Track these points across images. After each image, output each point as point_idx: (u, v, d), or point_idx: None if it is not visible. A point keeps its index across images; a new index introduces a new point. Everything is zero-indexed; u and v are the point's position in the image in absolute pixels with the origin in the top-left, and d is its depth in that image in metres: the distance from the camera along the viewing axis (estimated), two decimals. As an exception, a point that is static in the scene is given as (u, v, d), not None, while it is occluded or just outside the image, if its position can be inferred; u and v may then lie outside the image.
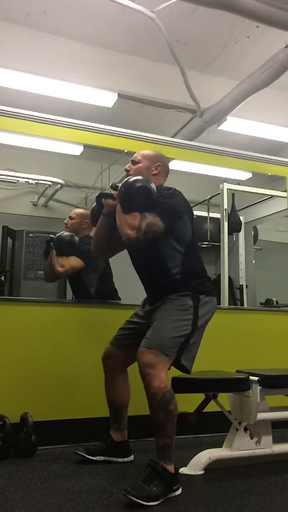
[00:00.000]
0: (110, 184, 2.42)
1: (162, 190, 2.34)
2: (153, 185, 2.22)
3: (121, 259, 2.65)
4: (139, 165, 2.44)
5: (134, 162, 2.47)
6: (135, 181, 2.20)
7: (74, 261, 3.15)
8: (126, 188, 2.20)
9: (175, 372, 2.26)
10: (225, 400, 2.55)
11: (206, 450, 2.44)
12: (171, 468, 2.06)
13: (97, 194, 2.56)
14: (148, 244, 2.21)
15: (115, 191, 2.31)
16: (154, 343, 2.14)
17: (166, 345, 2.13)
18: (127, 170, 2.47)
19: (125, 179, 2.26)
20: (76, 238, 3.20)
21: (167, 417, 2.06)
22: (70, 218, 3.42)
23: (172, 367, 2.20)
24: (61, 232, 3.24)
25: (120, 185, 2.26)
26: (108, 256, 2.83)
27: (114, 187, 2.36)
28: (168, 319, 2.20)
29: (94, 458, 2.48)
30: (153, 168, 2.45)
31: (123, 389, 2.52)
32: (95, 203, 2.60)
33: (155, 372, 2.07)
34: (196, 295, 2.26)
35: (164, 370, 2.11)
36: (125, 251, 2.51)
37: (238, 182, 5.48)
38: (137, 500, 1.89)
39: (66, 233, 3.22)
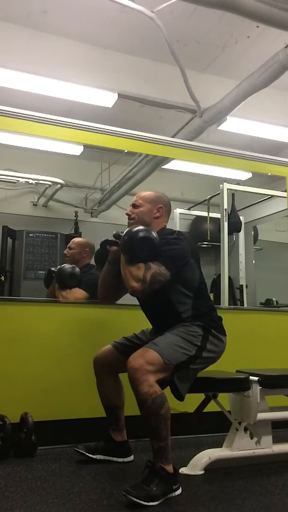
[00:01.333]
0: (114, 233, 2.43)
1: (165, 235, 2.31)
2: (155, 234, 2.21)
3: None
4: (141, 209, 2.42)
5: (135, 206, 2.45)
6: (136, 232, 2.18)
7: (77, 293, 3.18)
8: (128, 239, 2.19)
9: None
10: (225, 400, 2.55)
11: (206, 450, 2.44)
12: (169, 468, 2.06)
13: (100, 242, 2.58)
14: (156, 291, 2.19)
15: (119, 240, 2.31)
16: (156, 345, 2.13)
17: (167, 351, 2.12)
18: (128, 215, 2.45)
19: (127, 230, 2.24)
20: (78, 270, 3.20)
21: (159, 421, 2.04)
22: (69, 248, 3.43)
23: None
24: (63, 265, 3.26)
25: (122, 234, 2.25)
26: (114, 300, 2.82)
27: (116, 235, 2.37)
28: (176, 335, 2.20)
29: (94, 456, 2.48)
30: (155, 211, 2.43)
31: (115, 389, 2.51)
32: (99, 247, 2.62)
33: (143, 378, 2.03)
34: (207, 327, 2.26)
35: (154, 376, 2.06)
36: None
37: (238, 182, 5.48)
38: (137, 500, 1.89)
39: (67, 266, 3.23)
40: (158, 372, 2.08)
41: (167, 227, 2.50)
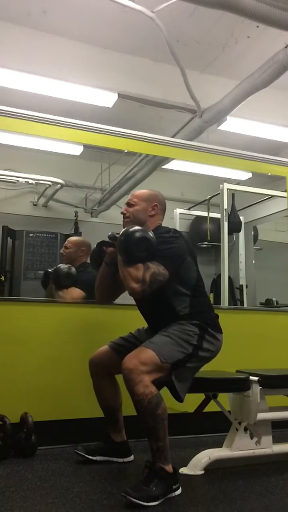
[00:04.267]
0: (109, 234, 2.41)
1: (161, 234, 2.30)
2: (151, 233, 2.20)
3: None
4: (136, 207, 2.42)
5: (130, 205, 2.44)
6: (132, 232, 2.17)
7: (75, 293, 3.18)
8: (124, 240, 2.17)
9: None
10: (225, 400, 2.55)
11: (206, 450, 2.44)
12: (169, 468, 2.06)
13: (96, 243, 2.57)
14: (153, 291, 2.19)
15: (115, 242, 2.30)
16: (152, 343, 2.13)
17: (163, 350, 2.11)
18: (123, 213, 2.44)
19: (123, 230, 2.22)
20: (74, 269, 3.20)
21: (156, 422, 2.03)
22: (66, 247, 3.43)
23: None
24: (58, 265, 3.25)
25: (118, 235, 2.24)
26: (111, 300, 2.81)
27: (112, 237, 2.35)
28: (172, 333, 2.19)
29: (94, 458, 2.48)
30: (150, 209, 2.42)
31: (112, 390, 2.50)
32: (96, 247, 2.60)
33: (138, 378, 2.02)
34: (203, 326, 2.25)
35: (149, 377, 2.05)
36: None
37: (238, 182, 5.48)
38: (137, 501, 1.89)
39: (63, 266, 3.23)
40: (154, 372, 2.08)
41: (162, 225, 2.48)
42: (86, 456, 2.47)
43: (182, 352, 2.16)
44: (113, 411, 2.52)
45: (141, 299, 2.36)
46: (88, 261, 3.24)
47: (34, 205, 6.32)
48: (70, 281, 3.17)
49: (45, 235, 5.76)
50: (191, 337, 2.20)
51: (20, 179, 5.95)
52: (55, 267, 3.29)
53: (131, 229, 2.19)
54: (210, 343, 2.27)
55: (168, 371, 2.13)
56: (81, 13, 3.91)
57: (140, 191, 2.50)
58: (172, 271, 2.20)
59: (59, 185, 5.99)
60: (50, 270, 3.33)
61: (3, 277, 5.62)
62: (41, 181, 5.99)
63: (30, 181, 6.01)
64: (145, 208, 2.42)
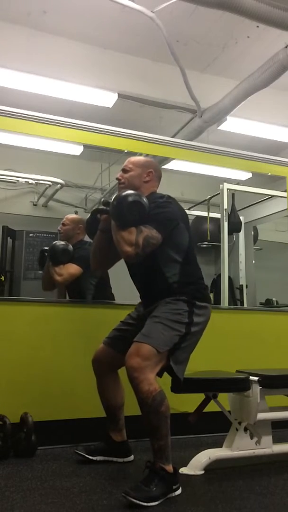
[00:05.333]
0: (102, 200, 2.40)
1: (155, 199, 2.30)
2: (144, 198, 2.20)
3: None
4: (131, 173, 2.41)
5: (125, 171, 2.43)
6: (125, 196, 2.17)
7: (72, 269, 3.16)
8: (117, 204, 2.17)
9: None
10: (225, 400, 2.55)
11: (206, 450, 2.44)
12: (169, 468, 2.06)
13: (91, 211, 2.54)
14: (146, 256, 2.18)
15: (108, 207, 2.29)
16: (147, 337, 2.12)
17: (159, 340, 2.11)
18: (118, 179, 2.43)
19: (116, 195, 2.22)
20: (70, 246, 3.20)
21: (160, 419, 2.04)
22: (63, 224, 3.42)
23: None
24: (54, 242, 3.24)
25: (111, 201, 2.23)
26: (106, 269, 2.82)
27: (105, 203, 2.34)
28: (162, 318, 2.19)
29: (94, 458, 2.48)
30: (145, 175, 2.41)
31: (115, 390, 2.50)
32: (89, 216, 2.59)
33: (142, 376, 2.03)
34: (191, 300, 2.24)
35: (153, 373, 2.07)
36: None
37: (238, 182, 5.48)
38: (137, 502, 1.89)
39: (59, 242, 3.23)
40: (156, 365, 2.10)
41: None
42: (86, 456, 2.47)
43: (177, 335, 2.16)
44: (115, 411, 2.52)
45: (134, 264, 2.36)
46: (85, 239, 3.23)
47: (34, 205, 6.32)
48: (67, 257, 3.16)
49: (45, 235, 5.75)
50: (181, 315, 2.20)
51: (20, 179, 5.96)
52: (51, 244, 3.28)
53: (123, 194, 2.19)
54: (200, 315, 2.25)
55: (167, 358, 2.14)
56: (81, 13, 3.91)
57: (136, 157, 2.50)
58: (165, 235, 2.19)
59: (59, 185, 5.99)
60: (46, 248, 3.32)
61: (3, 277, 5.62)
62: (41, 181, 5.99)
63: (30, 181, 6.01)
64: (140, 174, 2.40)
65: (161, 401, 2.05)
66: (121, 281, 2.88)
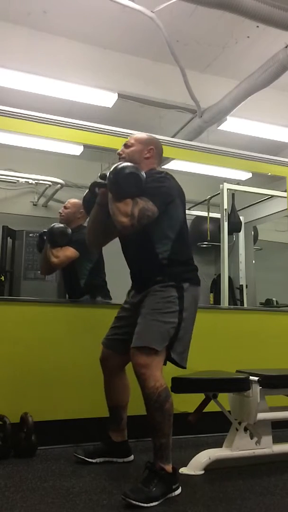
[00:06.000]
0: (99, 174, 2.40)
1: (153, 174, 2.30)
2: (142, 171, 2.20)
3: (116, 257, 2.63)
4: (132, 148, 2.41)
5: (126, 146, 2.43)
6: (122, 167, 2.17)
7: (68, 251, 3.16)
8: (114, 175, 2.17)
9: (175, 372, 2.26)
10: (225, 400, 2.55)
11: (206, 450, 2.44)
12: (169, 468, 2.06)
13: (90, 185, 2.51)
14: (141, 229, 2.18)
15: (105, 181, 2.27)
16: (144, 339, 2.12)
17: (156, 339, 2.12)
18: (119, 154, 2.43)
19: (113, 167, 2.21)
20: (69, 229, 3.20)
21: (164, 416, 2.06)
22: (65, 207, 3.42)
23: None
24: (53, 224, 3.24)
25: (108, 173, 2.22)
26: (102, 245, 2.80)
27: (102, 176, 2.33)
28: (155, 312, 2.18)
29: (93, 460, 2.47)
30: (146, 152, 2.40)
31: (121, 389, 2.51)
32: (88, 191, 2.56)
33: (149, 372, 2.06)
34: (179, 284, 2.23)
35: (159, 369, 2.10)
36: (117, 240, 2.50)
37: (238, 182, 5.48)
38: (136, 503, 1.89)
39: (58, 225, 3.23)
40: (159, 362, 2.12)
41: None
42: (86, 459, 2.46)
43: (172, 328, 2.16)
44: (119, 410, 2.52)
45: (125, 239, 2.37)
46: (85, 224, 3.22)
47: (34, 205, 6.32)
48: (65, 240, 3.15)
49: (45, 235, 5.74)
50: (172, 303, 2.19)
51: (20, 179, 5.95)
52: (50, 226, 3.28)
53: (120, 165, 2.18)
54: (190, 299, 2.24)
55: (167, 351, 2.15)
56: (81, 13, 3.91)
57: (139, 133, 2.50)
58: (160, 209, 2.19)
59: (59, 185, 5.99)
60: (45, 231, 3.32)
61: (3, 277, 5.61)
62: (41, 181, 5.99)
63: (30, 181, 6.01)
64: (141, 149, 2.40)
65: (166, 397, 2.07)
66: (120, 281, 2.88)
